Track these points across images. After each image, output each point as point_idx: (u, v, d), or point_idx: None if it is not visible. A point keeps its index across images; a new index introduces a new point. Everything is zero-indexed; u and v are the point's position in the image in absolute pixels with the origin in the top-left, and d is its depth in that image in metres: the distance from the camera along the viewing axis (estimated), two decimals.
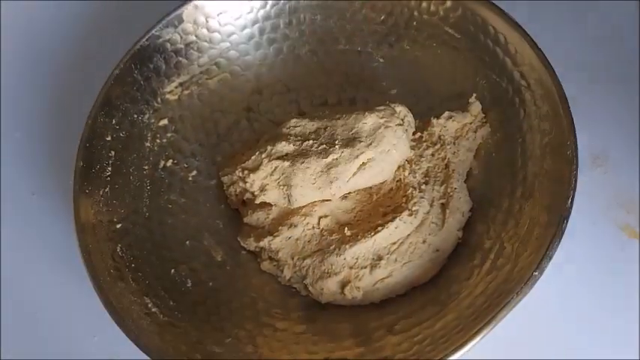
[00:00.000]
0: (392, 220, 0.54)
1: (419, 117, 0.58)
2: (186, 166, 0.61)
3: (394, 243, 0.54)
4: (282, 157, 0.56)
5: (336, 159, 0.55)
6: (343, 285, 0.54)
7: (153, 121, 0.60)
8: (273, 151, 0.57)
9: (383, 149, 0.55)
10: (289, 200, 0.55)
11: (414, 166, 0.56)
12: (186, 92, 0.62)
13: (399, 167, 0.56)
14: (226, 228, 0.59)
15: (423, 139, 0.58)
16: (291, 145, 0.57)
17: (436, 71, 0.61)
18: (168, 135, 0.61)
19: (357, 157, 0.55)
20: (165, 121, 0.61)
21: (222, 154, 0.62)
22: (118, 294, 0.53)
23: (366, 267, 0.54)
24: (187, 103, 0.62)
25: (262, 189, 0.56)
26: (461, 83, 0.59)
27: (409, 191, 0.55)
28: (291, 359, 0.52)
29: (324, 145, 0.56)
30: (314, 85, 0.63)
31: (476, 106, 0.58)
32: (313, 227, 0.56)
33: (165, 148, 0.60)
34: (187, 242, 0.58)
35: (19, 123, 0.67)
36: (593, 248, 0.56)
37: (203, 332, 0.53)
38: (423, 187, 0.55)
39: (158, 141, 0.60)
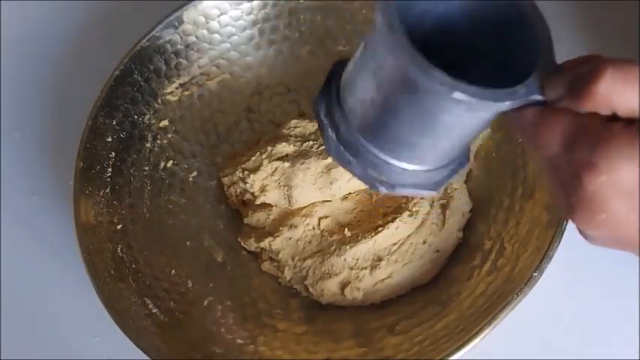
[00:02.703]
0: (392, 221, 0.54)
1: None
2: (186, 166, 0.61)
3: (394, 244, 0.54)
4: (283, 158, 0.56)
5: None
6: (344, 286, 0.54)
7: (153, 122, 0.60)
8: (274, 151, 0.57)
9: None
10: (289, 201, 0.56)
11: None
12: (186, 93, 0.62)
13: None
14: (227, 229, 0.59)
15: None
16: (292, 145, 0.57)
17: None
18: (169, 136, 0.61)
19: None
20: (165, 122, 0.61)
21: (223, 154, 0.62)
22: (119, 294, 0.53)
23: (366, 268, 0.54)
24: (188, 104, 0.62)
25: (263, 189, 0.56)
26: None
27: None
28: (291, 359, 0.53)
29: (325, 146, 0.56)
30: (314, 86, 0.63)
31: None
32: (314, 228, 0.56)
33: (166, 149, 0.60)
34: (188, 243, 0.58)
35: (19, 123, 0.67)
36: (593, 248, 0.56)
37: (203, 333, 0.53)
38: None
39: (158, 142, 0.60)
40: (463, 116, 0.33)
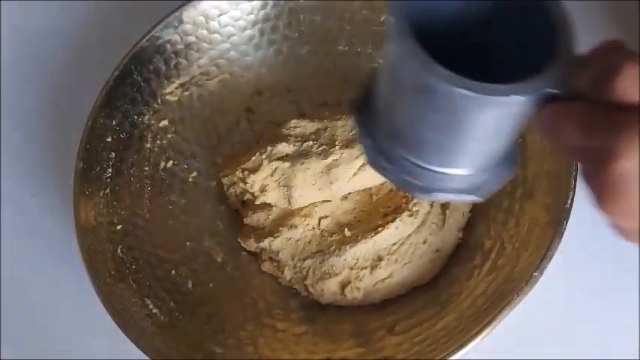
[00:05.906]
0: (392, 221, 0.54)
1: None
2: (186, 167, 0.61)
3: (394, 243, 0.54)
4: (283, 158, 0.56)
5: (336, 160, 0.55)
6: (344, 286, 0.54)
7: (153, 122, 0.60)
8: (274, 152, 0.57)
9: None
10: (289, 201, 0.56)
11: None
12: (186, 93, 0.62)
13: None
14: (227, 229, 0.59)
15: None
16: (292, 145, 0.57)
17: None
18: (169, 136, 0.61)
19: (357, 157, 0.55)
20: (165, 122, 0.61)
21: (223, 155, 0.62)
22: (119, 295, 0.53)
23: (366, 267, 0.54)
24: (187, 105, 0.62)
25: (262, 190, 0.56)
26: None
27: None
28: None
29: (324, 146, 0.56)
30: (314, 86, 0.63)
31: None
32: (313, 228, 0.56)
33: (166, 149, 0.60)
34: (188, 243, 0.58)
35: (19, 124, 0.67)
36: (593, 248, 0.56)
37: (204, 333, 0.53)
38: None
39: (158, 142, 0.60)
40: (480, 114, 0.32)
